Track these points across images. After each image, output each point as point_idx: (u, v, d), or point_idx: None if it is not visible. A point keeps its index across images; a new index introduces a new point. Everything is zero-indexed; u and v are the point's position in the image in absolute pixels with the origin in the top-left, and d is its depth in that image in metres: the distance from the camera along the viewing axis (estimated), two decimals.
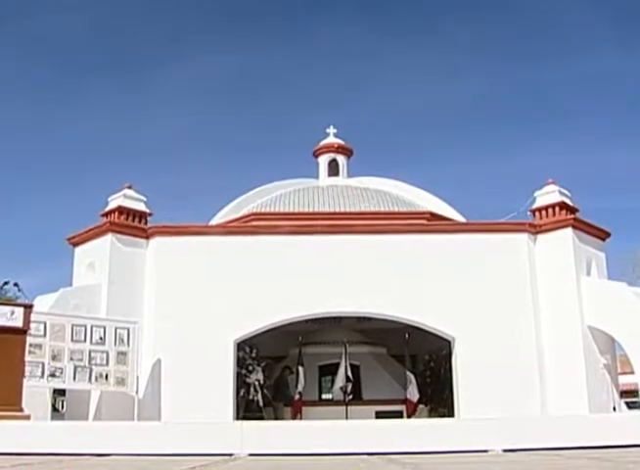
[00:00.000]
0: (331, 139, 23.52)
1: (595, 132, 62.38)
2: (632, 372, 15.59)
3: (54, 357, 13.76)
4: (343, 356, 17.55)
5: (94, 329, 14.40)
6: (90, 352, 14.25)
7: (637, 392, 16.50)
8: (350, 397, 17.47)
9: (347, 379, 17.44)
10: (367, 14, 60.33)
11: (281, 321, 16.00)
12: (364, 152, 43.75)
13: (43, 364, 13.58)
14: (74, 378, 14.02)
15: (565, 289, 16.13)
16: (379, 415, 16.65)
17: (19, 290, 12.50)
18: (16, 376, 10.46)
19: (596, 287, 16.26)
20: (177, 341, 15.54)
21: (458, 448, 7.36)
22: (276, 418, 17.26)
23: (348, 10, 59.86)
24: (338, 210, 18.88)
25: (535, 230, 16.86)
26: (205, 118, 65.95)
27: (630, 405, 21.65)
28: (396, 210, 19.08)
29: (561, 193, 17.18)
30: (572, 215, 16.90)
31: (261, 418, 16.13)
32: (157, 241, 16.54)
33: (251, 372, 16.72)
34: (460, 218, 20.03)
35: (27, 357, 11.68)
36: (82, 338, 14.21)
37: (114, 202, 16.92)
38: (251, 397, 16.60)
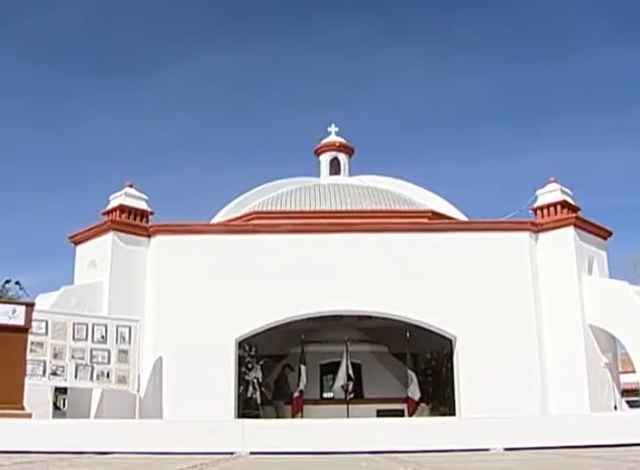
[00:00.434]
0: (332, 138, 23.51)
1: (597, 131, 62.34)
2: (633, 371, 15.59)
3: (55, 356, 13.77)
4: (345, 355, 17.56)
5: (95, 327, 14.41)
6: (92, 351, 14.26)
7: (638, 391, 16.47)
8: (352, 395, 17.49)
9: (349, 377, 17.46)
10: (368, 12, 60.29)
11: (282, 320, 16.01)
12: (366, 150, 43.68)
13: (45, 363, 13.60)
14: (76, 376, 14.03)
15: (566, 288, 16.13)
16: (380, 414, 16.66)
17: (20, 288, 12.55)
18: (17, 374, 10.46)
19: (597, 286, 16.25)
20: (178, 339, 15.56)
21: (459, 447, 7.36)
22: (277, 417, 17.27)
23: (350, 8, 59.86)
24: (339, 208, 18.89)
25: (537, 229, 16.86)
26: (206, 117, 65.97)
27: (632, 404, 21.65)
28: (398, 208, 19.08)
29: (562, 192, 17.17)
30: (574, 214, 16.89)
31: (257, 416, 16.13)
32: (158, 239, 16.55)
33: (250, 370, 16.76)
34: (461, 217, 20.03)
35: (29, 356, 11.68)
36: (84, 336, 14.22)
37: (116, 200, 16.93)
38: (249, 394, 16.62)
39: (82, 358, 14.12)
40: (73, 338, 14.08)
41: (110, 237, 16.19)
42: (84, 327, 14.26)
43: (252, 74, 62.25)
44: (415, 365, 18.26)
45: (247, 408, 16.39)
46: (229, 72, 64.13)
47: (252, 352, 16.72)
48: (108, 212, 16.85)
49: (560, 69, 58.98)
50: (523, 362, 15.69)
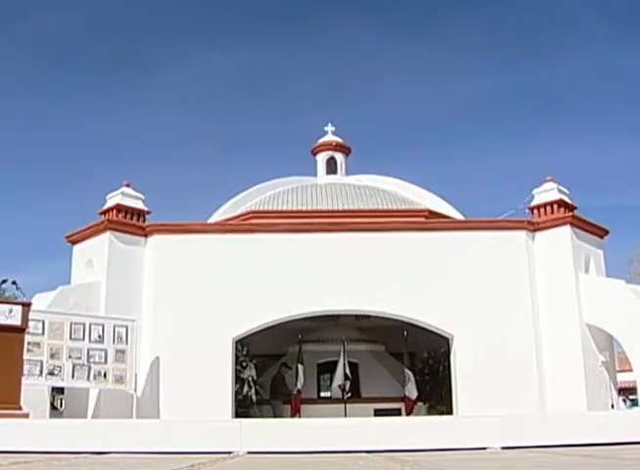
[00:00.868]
0: (329, 137, 23.50)
1: (594, 129, 62.42)
2: (631, 370, 15.62)
3: (52, 356, 13.75)
4: (342, 354, 17.56)
5: (93, 327, 14.39)
6: (89, 350, 14.23)
7: (636, 389, 16.50)
8: (349, 394, 17.47)
9: (346, 377, 17.44)
10: (368, 12, 60.30)
11: (279, 319, 16.01)
12: (362, 150, 43.75)
13: (42, 362, 13.57)
14: (73, 376, 14.01)
15: (563, 286, 16.15)
16: (377, 413, 16.64)
17: (17, 288, 12.49)
18: (14, 374, 10.45)
19: (594, 285, 16.27)
20: (176, 339, 15.55)
21: (457, 446, 7.37)
22: (275, 416, 17.25)
23: (350, 8, 59.86)
24: (336, 207, 18.88)
25: (534, 228, 16.87)
26: (203, 117, 65.95)
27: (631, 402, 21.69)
28: (395, 207, 19.09)
29: (559, 190, 17.19)
30: (571, 213, 16.90)
31: (252, 415, 16.12)
32: (155, 239, 16.54)
33: (244, 368, 16.76)
34: (458, 216, 20.04)
35: (26, 356, 11.67)
36: (81, 336, 14.19)
37: (113, 200, 16.91)
38: (245, 392, 16.64)
39: (79, 358, 14.09)
40: (70, 338, 14.05)
41: (107, 236, 16.16)
42: (81, 327, 14.23)
43: (252, 74, 62.30)
44: (412, 364, 18.26)
45: (241, 407, 16.38)
46: (227, 71, 64.16)
47: (245, 352, 16.72)
48: (105, 212, 16.83)
49: (559, 68, 59.11)
50: (520, 361, 15.70)
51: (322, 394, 19.63)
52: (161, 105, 64.79)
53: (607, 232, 17.75)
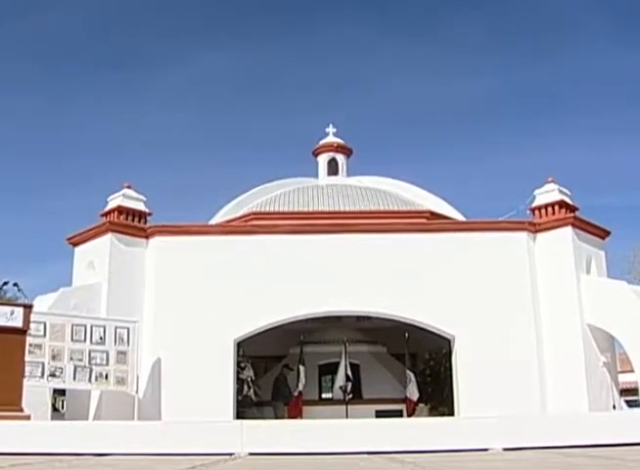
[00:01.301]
0: (330, 138, 23.51)
1: (594, 129, 62.35)
2: (632, 371, 15.60)
3: (54, 357, 13.76)
4: (343, 355, 17.56)
5: (94, 329, 14.40)
6: (90, 352, 14.24)
7: (637, 390, 16.48)
8: (350, 396, 17.47)
9: (347, 378, 17.45)
10: (368, 12, 60.32)
11: (281, 320, 16.01)
12: (363, 151, 43.68)
13: (43, 364, 13.59)
14: (74, 378, 14.02)
15: (564, 287, 16.14)
16: (379, 414, 16.63)
17: (18, 290, 12.49)
18: (16, 376, 10.45)
19: (596, 285, 16.26)
20: (177, 340, 15.55)
21: (458, 447, 7.35)
22: (276, 417, 17.26)
23: (350, 8, 59.87)
24: (337, 209, 18.88)
25: (535, 229, 16.87)
26: (203, 117, 65.88)
27: (630, 404, 21.66)
28: (396, 208, 19.08)
29: (560, 191, 17.18)
30: (572, 214, 16.90)
31: (246, 416, 16.12)
32: (156, 240, 16.55)
33: (242, 369, 16.78)
34: (459, 217, 20.03)
35: (27, 357, 11.66)
36: (82, 337, 14.21)
37: (114, 201, 16.93)
38: (244, 393, 16.65)
39: (81, 360, 14.10)
40: (72, 339, 14.07)
41: (108, 238, 16.17)
42: (82, 328, 14.24)
43: (252, 74, 62.25)
44: (414, 366, 18.25)
45: (240, 407, 16.37)
46: (228, 72, 64.17)
47: (241, 353, 16.73)
48: (106, 214, 16.84)
49: (559, 68, 59.05)
50: (521, 362, 15.69)
51: (323, 395, 19.64)
52: (161, 105, 64.76)
53: (608, 233, 17.74)
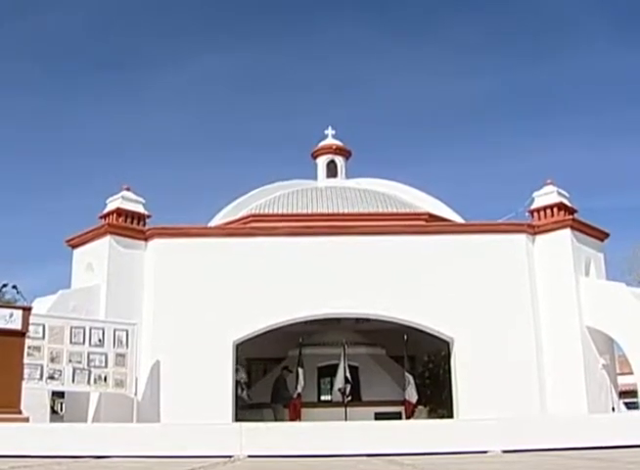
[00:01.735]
0: (329, 140, 23.52)
1: (594, 129, 62.43)
2: (631, 373, 15.60)
3: (53, 360, 13.74)
4: (342, 358, 17.54)
5: (93, 331, 14.39)
6: (89, 354, 14.23)
7: (636, 392, 16.48)
8: (349, 398, 17.45)
9: (346, 380, 17.43)
10: (368, 12, 60.38)
11: (280, 322, 16.01)
12: (362, 151, 43.70)
13: (42, 366, 13.57)
14: (73, 380, 14.00)
15: (563, 289, 16.14)
16: (378, 417, 16.63)
17: (17, 292, 12.52)
18: (14, 378, 10.44)
19: (595, 287, 16.27)
20: (176, 342, 15.54)
21: (457, 449, 7.34)
22: (275, 419, 17.25)
23: (350, 8, 59.93)
24: (336, 211, 18.88)
25: (534, 231, 16.87)
26: (203, 117, 65.97)
27: (629, 406, 21.66)
28: (395, 211, 19.09)
29: (559, 193, 17.19)
30: (571, 216, 16.91)
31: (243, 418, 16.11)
32: (155, 242, 16.54)
33: (236, 371, 16.78)
34: (458, 219, 20.03)
35: (26, 360, 11.65)
36: (81, 340, 14.19)
37: (113, 204, 16.92)
38: (238, 394, 16.66)
39: (79, 362, 14.09)
40: (71, 342, 14.05)
41: (107, 240, 16.17)
42: (81, 331, 14.23)
43: (252, 75, 62.31)
44: (412, 368, 18.26)
45: (237, 407, 16.36)
46: (229, 72, 64.19)
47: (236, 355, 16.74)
48: (105, 216, 16.83)
49: (559, 68, 59.12)
50: (520, 364, 15.69)
51: (322, 397, 19.61)
52: (161, 105, 64.84)
53: (607, 235, 17.75)
